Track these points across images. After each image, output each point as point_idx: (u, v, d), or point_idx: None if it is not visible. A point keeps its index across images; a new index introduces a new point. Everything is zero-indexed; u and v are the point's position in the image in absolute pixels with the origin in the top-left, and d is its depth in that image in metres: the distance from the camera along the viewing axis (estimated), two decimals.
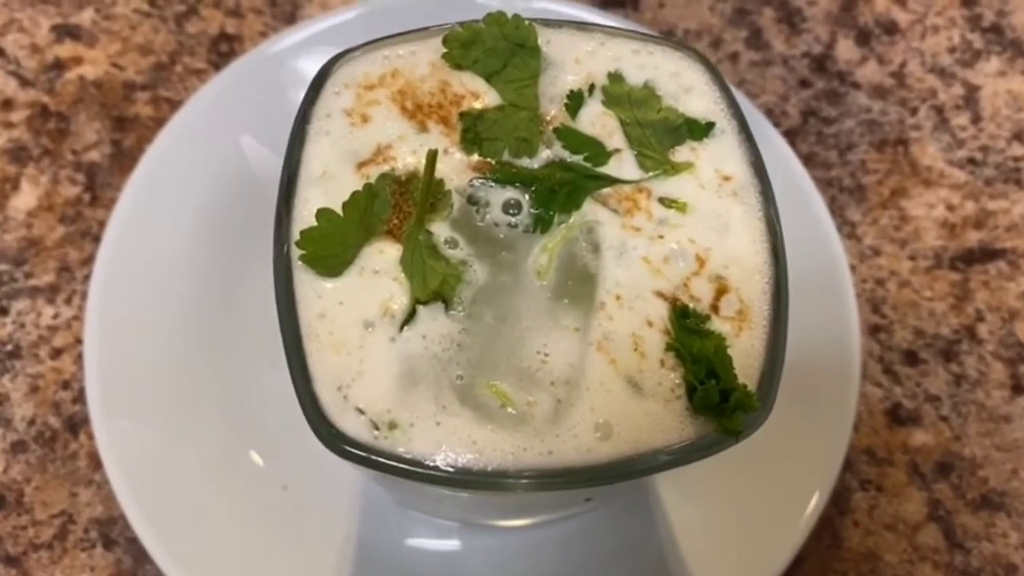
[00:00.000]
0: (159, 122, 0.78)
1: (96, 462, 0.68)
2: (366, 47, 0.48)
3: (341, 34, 0.76)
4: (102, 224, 0.74)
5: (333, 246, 0.43)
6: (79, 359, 0.71)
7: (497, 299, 0.44)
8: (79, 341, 0.71)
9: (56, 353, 0.72)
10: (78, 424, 0.70)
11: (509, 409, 0.41)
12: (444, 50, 0.48)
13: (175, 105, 0.80)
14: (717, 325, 0.43)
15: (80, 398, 0.70)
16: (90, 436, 0.68)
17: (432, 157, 0.42)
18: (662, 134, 0.47)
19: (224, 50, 0.84)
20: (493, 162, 0.46)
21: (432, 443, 0.40)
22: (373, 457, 0.40)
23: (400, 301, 0.43)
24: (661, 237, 0.45)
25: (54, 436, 0.69)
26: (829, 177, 0.82)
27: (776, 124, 0.82)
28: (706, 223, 0.46)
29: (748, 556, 0.64)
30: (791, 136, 0.83)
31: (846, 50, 0.88)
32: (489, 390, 0.42)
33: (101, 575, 0.66)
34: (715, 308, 0.44)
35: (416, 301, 0.43)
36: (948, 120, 0.85)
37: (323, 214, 0.43)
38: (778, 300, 0.44)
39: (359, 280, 0.43)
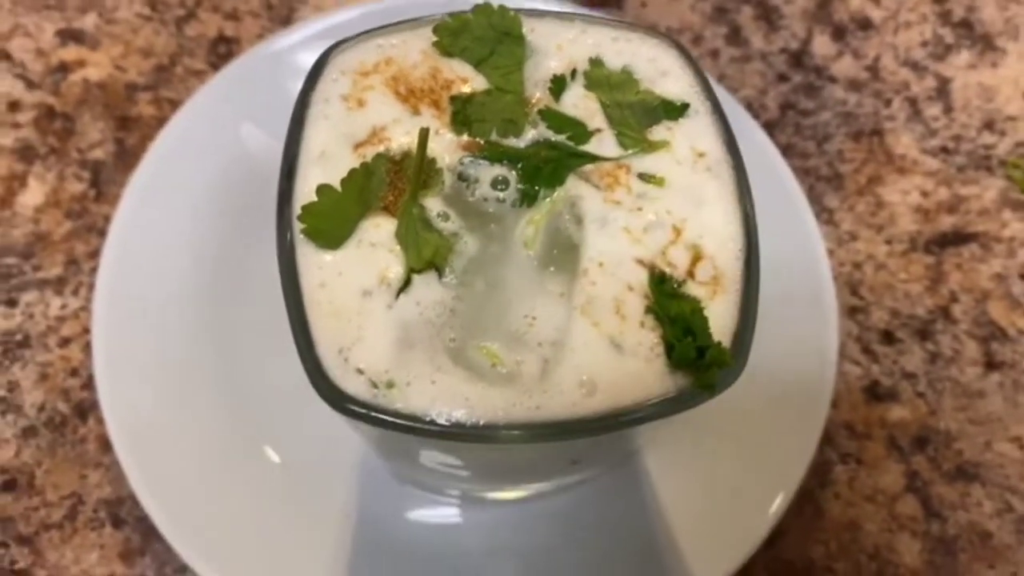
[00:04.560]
0: (161, 121, 0.81)
1: (104, 445, 0.71)
2: (360, 37, 0.51)
3: (335, 34, 0.78)
4: (107, 219, 0.77)
5: (332, 220, 0.46)
6: (87, 347, 0.73)
7: (487, 268, 0.46)
8: (86, 330, 0.74)
9: (64, 342, 0.74)
10: (87, 410, 0.72)
11: (499, 368, 0.44)
12: (435, 39, 0.51)
13: (176, 105, 0.83)
14: (693, 289, 0.46)
15: (88, 385, 0.73)
16: (99, 421, 0.71)
17: (424, 135, 0.45)
18: (640, 115, 0.50)
19: (223, 52, 0.87)
20: (482, 142, 0.49)
21: (427, 400, 0.43)
22: (373, 413, 0.42)
23: (396, 271, 0.46)
24: (640, 209, 0.48)
25: (63, 421, 0.72)
26: (807, 166, 0.85)
27: (755, 116, 0.85)
28: (682, 196, 0.48)
29: (731, 525, 0.67)
30: (770, 128, 0.86)
31: (822, 45, 0.91)
32: (480, 351, 0.44)
33: (110, 553, 0.68)
34: (691, 274, 0.47)
35: (411, 270, 0.45)
36: (921, 111, 0.88)
37: (322, 190, 0.46)
38: (750, 266, 0.47)
39: (357, 252, 0.46)
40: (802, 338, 0.72)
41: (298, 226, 0.46)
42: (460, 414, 0.43)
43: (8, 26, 0.86)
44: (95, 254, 0.77)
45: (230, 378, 0.71)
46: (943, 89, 0.89)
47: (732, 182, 0.49)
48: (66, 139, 0.82)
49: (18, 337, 0.74)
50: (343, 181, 0.46)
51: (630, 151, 0.49)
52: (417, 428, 0.43)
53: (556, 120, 0.50)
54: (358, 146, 0.49)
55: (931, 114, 0.88)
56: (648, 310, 0.46)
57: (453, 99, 0.50)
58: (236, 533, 0.65)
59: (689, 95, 0.51)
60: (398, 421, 0.43)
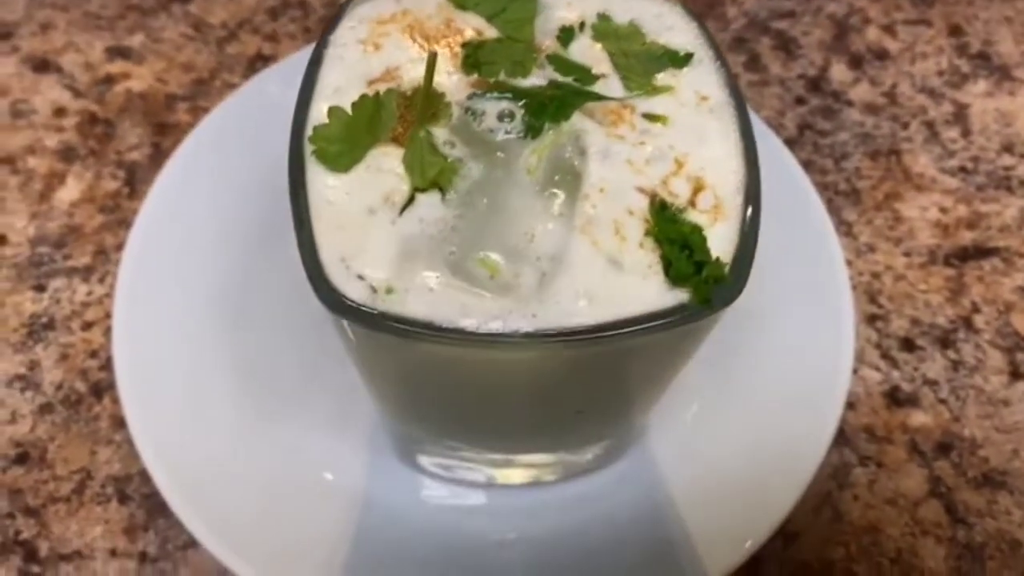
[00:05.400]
0: None
1: (116, 423, 0.71)
2: None
3: None
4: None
5: (343, 144, 0.47)
6: (108, 332, 0.75)
7: (490, 190, 0.47)
8: (109, 315, 0.76)
9: (87, 325, 0.76)
10: (103, 389, 0.73)
11: (497, 279, 0.44)
12: None
13: None
14: (694, 217, 0.46)
15: (106, 366, 0.74)
16: (113, 400, 0.72)
17: (432, 59, 0.47)
18: (646, 63, 0.52)
19: (260, 68, 0.91)
20: (491, 81, 0.51)
21: (425, 306, 0.43)
22: (371, 315, 0.43)
23: (401, 192, 0.47)
24: (643, 143, 0.49)
25: (79, 399, 0.73)
26: (825, 182, 0.86)
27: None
28: (685, 134, 0.49)
29: (741, 516, 0.65)
30: (789, 145, 0.87)
31: (839, 73, 0.93)
32: (479, 263, 0.45)
33: (115, 528, 0.67)
34: (692, 203, 0.47)
35: (415, 189, 0.47)
36: (939, 133, 0.89)
37: (333, 111, 0.47)
38: (750, 196, 0.47)
39: (365, 175, 0.47)
40: (817, 338, 0.72)
41: (309, 148, 0.47)
42: (457, 320, 0.43)
43: (62, 43, 0.91)
44: (124, 246, 0.79)
45: (243, 363, 0.72)
46: (960, 114, 0.90)
47: (734, 122, 0.50)
48: (106, 142, 0.85)
49: (43, 320, 0.76)
50: (354, 104, 0.48)
51: (635, 93, 0.51)
52: (415, 332, 0.43)
53: (563, 64, 0.52)
54: (372, 83, 0.51)
55: (949, 136, 0.89)
56: (647, 233, 0.46)
57: (465, 44, 0.52)
58: (242, 507, 0.65)
59: (694, 46, 0.53)
60: (396, 325, 0.43)
